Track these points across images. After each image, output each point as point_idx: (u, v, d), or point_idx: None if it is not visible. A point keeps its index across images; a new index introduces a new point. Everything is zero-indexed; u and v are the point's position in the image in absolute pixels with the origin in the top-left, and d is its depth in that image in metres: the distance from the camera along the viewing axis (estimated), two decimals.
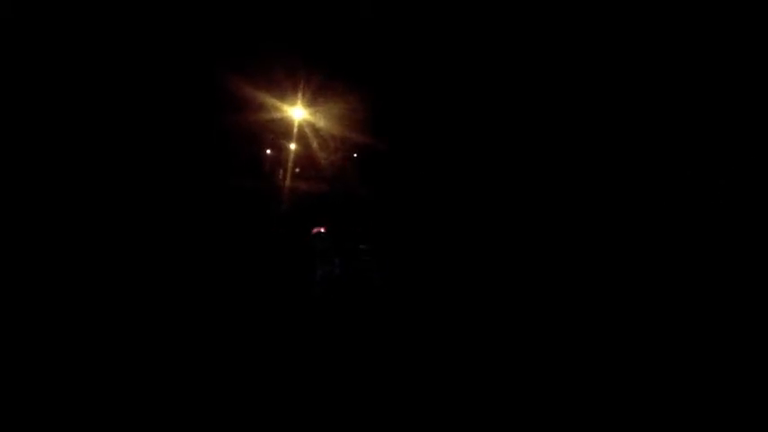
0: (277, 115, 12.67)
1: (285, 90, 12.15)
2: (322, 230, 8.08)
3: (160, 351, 4.57)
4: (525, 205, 10.76)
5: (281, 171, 15.56)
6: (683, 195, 8.95)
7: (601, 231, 9.46)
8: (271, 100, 12.13)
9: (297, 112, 12.87)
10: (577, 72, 10.34)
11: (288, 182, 14.82)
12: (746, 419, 4.14)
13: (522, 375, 4.73)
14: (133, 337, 4.81)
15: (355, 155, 14.58)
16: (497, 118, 11.67)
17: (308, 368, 4.53)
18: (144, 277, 6.50)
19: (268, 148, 15.48)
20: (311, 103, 12.65)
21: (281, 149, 15.14)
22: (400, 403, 4.12)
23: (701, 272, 7.76)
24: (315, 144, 13.59)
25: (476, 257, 9.12)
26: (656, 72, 9.50)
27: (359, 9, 11.69)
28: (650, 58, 9.52)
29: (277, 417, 3.81)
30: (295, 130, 13.36)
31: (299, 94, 12.33)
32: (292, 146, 14.46)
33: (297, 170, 15.46)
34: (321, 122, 12.89)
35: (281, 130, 13.74)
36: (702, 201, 8.76)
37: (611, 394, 4.44)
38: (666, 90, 9.38)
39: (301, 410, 3.90)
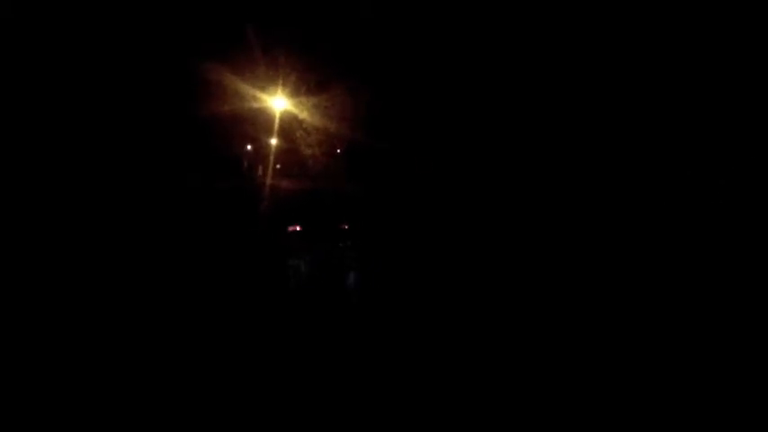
0: (257, 106, 12.05)
1: (266, 79, 11.53)
2: (298, 229, 8.09)
3: (139, 346, 4.63)
4: (516, 203, 10.62)
5: (261, 167, 15.04)
6: (683, 195, 8.90)
7: (597, 230, 9.30)
8: (250, 90, 11.49)
9: (278, 103, 12.24)
10: (575, 72, 10.21)
11: (268, 179, 14.29)
12: (746, 419, 4.08)
13: (509, 374, 4.70)
14: (111, 332, 4.85)
15: (338, 150, 14.21)
16: (487, 114, 11.49)
17: (282, 364, 4.62)
18: (117, 277, 6.51)
19: (247, 143, 14.92)
20: (294, 93, 12.06)
21: (261, 144, 14.56)
22: (375, 400, 4.13)
23: (700, 272, 7.62)
24: (298, 138, 13.01)
25: (464, 256, 8.94)
26: (656, 72, 9.46)
27: None
28: (650, 58, 9.46)
29: (253, 409, 3.87)
30: (277, 122, 12.75)
31: (281, 84, 11.73)
32: (273, 140, 13.89)
33: (278, 166, 14.93)
34: (305, 115, 12.30)
35: (262, 123, 13.12)
36: (702, 201, 8.70)
37: (605, 394, 4.38)
38: (666, 90, 9.34)
39: (277, 403, 3.96)
